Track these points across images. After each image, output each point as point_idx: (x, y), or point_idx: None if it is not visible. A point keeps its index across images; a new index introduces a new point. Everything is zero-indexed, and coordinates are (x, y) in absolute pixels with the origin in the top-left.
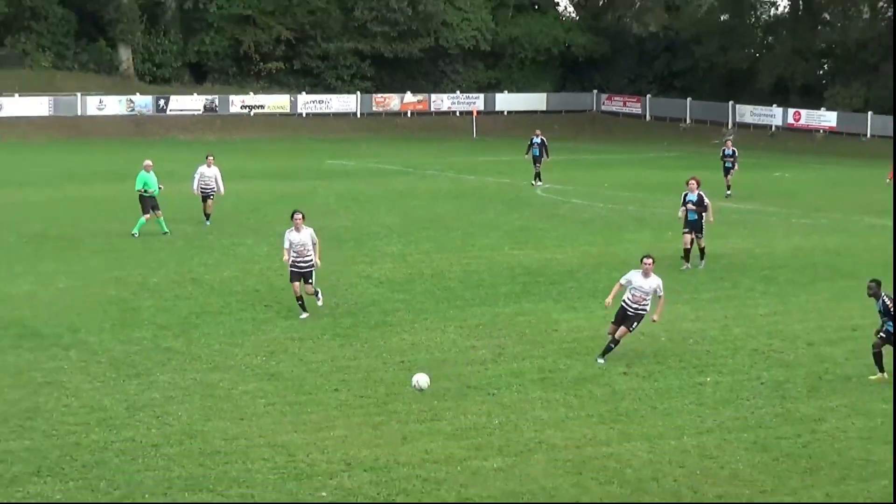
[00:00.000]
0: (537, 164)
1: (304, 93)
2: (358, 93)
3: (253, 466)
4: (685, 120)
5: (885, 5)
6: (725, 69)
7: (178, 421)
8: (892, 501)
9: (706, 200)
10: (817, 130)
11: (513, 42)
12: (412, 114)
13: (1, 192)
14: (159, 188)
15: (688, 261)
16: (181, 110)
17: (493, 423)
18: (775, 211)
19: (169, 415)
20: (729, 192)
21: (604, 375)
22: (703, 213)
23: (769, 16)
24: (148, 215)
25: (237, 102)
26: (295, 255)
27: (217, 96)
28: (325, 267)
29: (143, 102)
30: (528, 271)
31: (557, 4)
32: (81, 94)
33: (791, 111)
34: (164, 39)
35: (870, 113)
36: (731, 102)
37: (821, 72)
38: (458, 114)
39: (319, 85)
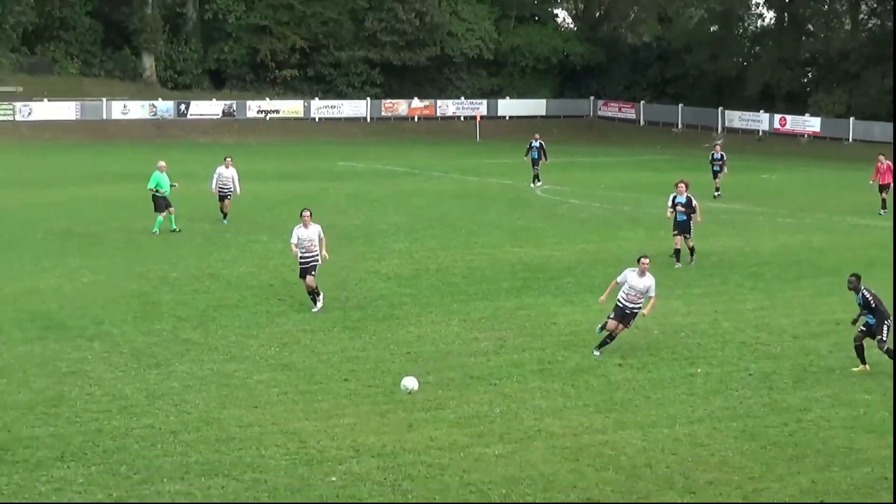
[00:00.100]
0: (536, 167)
1: (317, 98)
2: (368, 98)
3: (266, 452)
4: (677, 125)
5: (866, 17)
6: (715, 77)
7: (196, 409)
8: (892, 502)
9: (694, 202)
10: (802, 135)
11: (514, 51)
12: (419, 119)
13: (30, 191)
14: (173, 185)
15: (679, 260)
16: (201, 115)
17: (495, 411)
18: (762, 211)
19: (187, 403)
20: (717, 194)
21: (600, 366)
22: (692, 215)
23: (756, 27)
24: (164, 213)
25: (254, 107)
26: (302, 250)
27: (235, 101)
28: (336, 263)
29: (165, 107)
30: (529, 268)
31: (556, 16)
32: (107, 100)
33: (777, 117)
34: (186, 48)
35: (852, 119)
36: (720, 108)
37: (805, 80)
38: (462, 119)
39: (332, 91)
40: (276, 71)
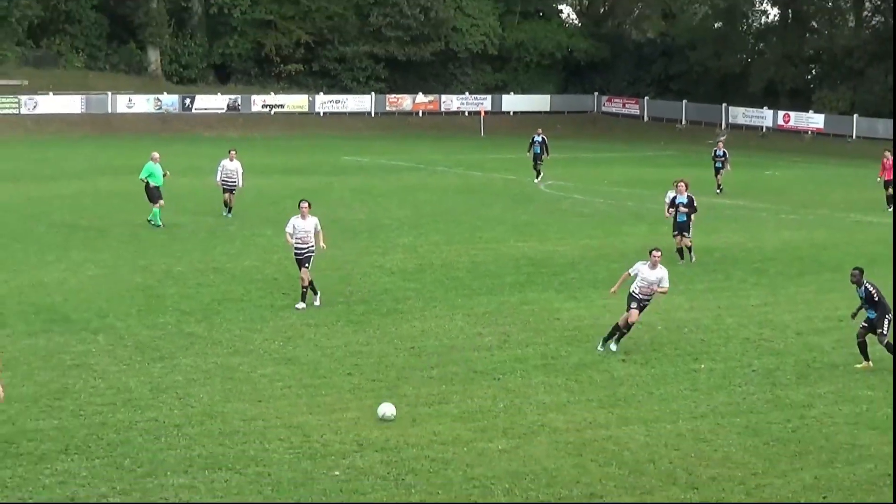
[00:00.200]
0: (539, 162)
1: (321, 93)
2: (372, 93)
3: (270, 446)
4: (681, 121)
5: (870, 14)
6: (719, 73)
7: (200, 402)
8: (892, 502)
9: (695, 202)
10: (805, 132)
11: (519, 47)
12: (423, 113)
13: (35, 184)
14: (165, 174)
15: (682, 258)
16: (206, 109)
17: (498, 406)
18: (765, 207)
19: (191, 396)
20: (719, 191)
21: (603, 362)
22: (692, 214)
23: (760, 24)
24: (161, 202)
25: (258, 102)
26: (297, 240)
27: (240, 96)
28: (340, 257)
29: (170, 101)
30: (532, 263)
31: (561, 12)
32: (112, 93)
33: (781, 113)
34: (191, 42)
35: (855, 115)
36: (724, 104)
37: (809, 76)
38: (466, 114)
39: (336, 86)
40: (281, 65)
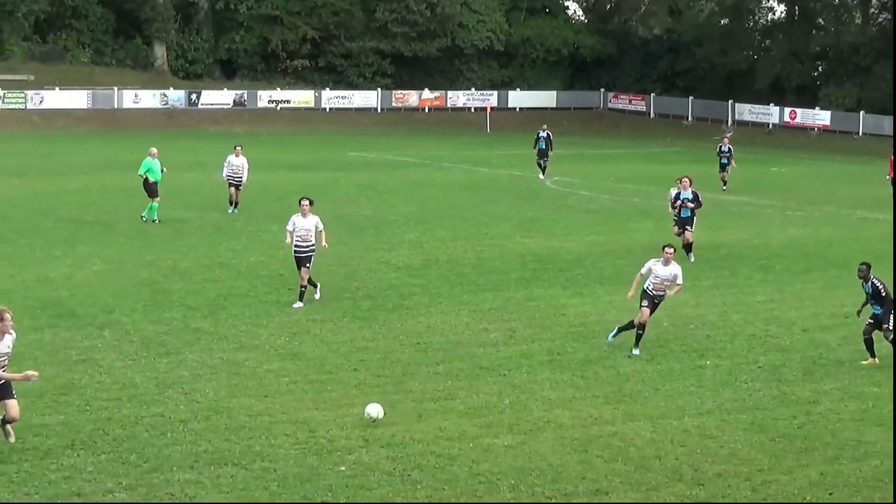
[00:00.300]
0: (545, 158)
1: (327, 89)
2: (379, 89)
3: (276, 441)
4: (687, 117)
5: (877, 11)
6: (725, 70)
7: (206, 398)
8: (892, 502)
9: (700, 197)
10: (812, 128)
11: (525, 43)
12: (429, 109)
13: (41, 179)
14: (163, 170)
15: (690, 252)
16: (212, 104)
17: (504, 402)
18: (772, 204)
19: (197, 392)
20: (725, 187)
21: (609, 358)
22: (697, 210)
23: (766, 20)
24: (157, 198)
25: (265, 97)
26: (298, 238)
27: (246, 91)
28: (346, 253)
29: (176, 96)
30: (538, 259)
31: (567, 8)
32: (118, 89)
33: (787, 110)
34: (197, 37)
35: (862, 112)
36: (730, 101)
37: (815, 73)
38: (472, 110)
39: (342, 81)
40: (287, 61)
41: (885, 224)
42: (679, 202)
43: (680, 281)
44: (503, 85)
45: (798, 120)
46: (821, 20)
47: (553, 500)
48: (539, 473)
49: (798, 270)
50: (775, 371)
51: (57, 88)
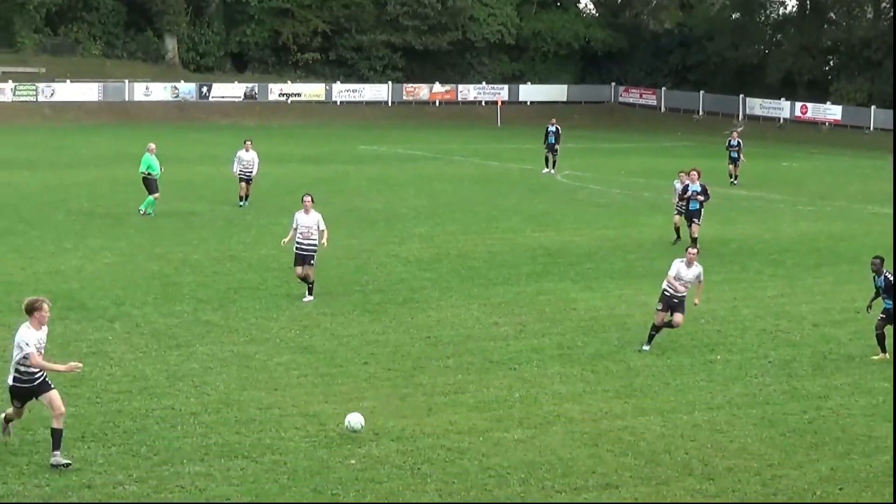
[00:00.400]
0: (555, 153)
1: (338, 82)
2: (389, 83)
3: (286, 434)
4: (698, 112)
5: (888, 6)
6: (736, 64)
7: (216, 390)
8: (892, 502)
9: (708, 190)
10: (823, 123)
11: (536, 36)
12: (440, 103)
13: (52, 172)
14: (160, 169)
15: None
16: (223, 97)
17: (514, 396)
18: (782, 198)
19: (207, 384)
20: (734, 181)
21: (619, 352)
22: (705, 203)
23: (778, 14)
24: (157, 194)
25: (275, 90)
26: (300, 236)
27: (257, 84)
28: (357, 246)
29: (187, 89)
30: (549, 253)
31: (578, 1)
32: (129, 81)
33: (798, 104)
34: (208, 30)
35: (873, 107)
36: (741, 96)
37: (827, 68)
38: (483, 104)
39: (353, 75)
40: (298, 54)
41: None
42: (688, 194)
43: (702, 279)
44: (514, 79)
45: (809, 114)
46: (832, 14)
47: (563, 494)
48: (549, 467)
49: (809, 265)
50: (786, 366)
51: (68, 81)
